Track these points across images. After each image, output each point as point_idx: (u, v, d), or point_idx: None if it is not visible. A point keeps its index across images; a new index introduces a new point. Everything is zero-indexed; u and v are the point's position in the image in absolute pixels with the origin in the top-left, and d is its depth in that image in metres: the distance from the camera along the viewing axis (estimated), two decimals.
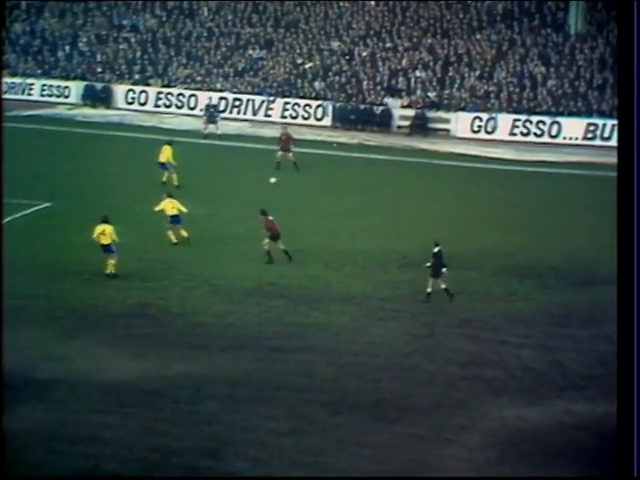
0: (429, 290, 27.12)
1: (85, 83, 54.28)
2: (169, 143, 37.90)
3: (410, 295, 27.54)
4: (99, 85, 54.01)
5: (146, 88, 54.30)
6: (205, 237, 32.36)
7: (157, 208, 31.31)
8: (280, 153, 41.28)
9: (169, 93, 53.91)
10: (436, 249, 27.21)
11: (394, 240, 32.49)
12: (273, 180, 38.05)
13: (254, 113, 52.91)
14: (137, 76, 55.23)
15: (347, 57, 54.29)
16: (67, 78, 54.98)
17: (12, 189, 35.32)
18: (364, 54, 54.15)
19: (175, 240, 31.22)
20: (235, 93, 53.37)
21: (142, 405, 21.06)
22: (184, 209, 31.21)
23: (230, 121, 51.65)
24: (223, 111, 51.35)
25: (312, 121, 51.60)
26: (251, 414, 20.58)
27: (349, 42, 55.01)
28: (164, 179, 37.59)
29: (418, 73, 52.82)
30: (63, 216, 33.47)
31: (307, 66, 53.87)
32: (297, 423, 20.22)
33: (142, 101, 53.92)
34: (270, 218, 30.19)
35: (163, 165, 37.81)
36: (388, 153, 47.00)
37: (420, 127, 50.63)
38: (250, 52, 55.56)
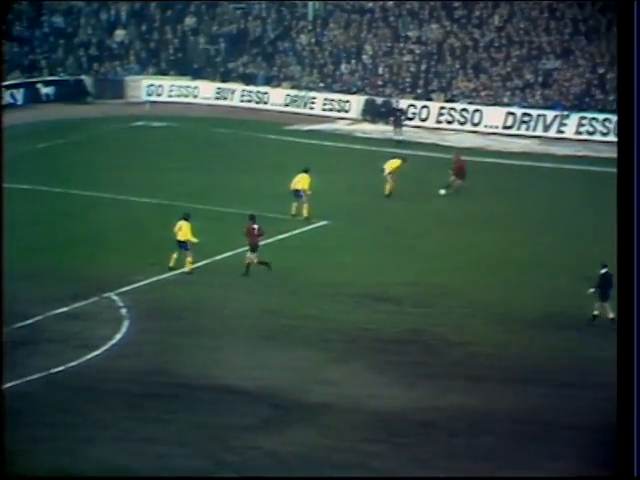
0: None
1: (365, 97, 55.55)
2: (305, 171, 36.33)
3: None
4: (379, 100, 55.13)
5: (428, 103, 54.95)
6: (486, 262, 32.38)
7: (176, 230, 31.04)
8: (453, 179, 40.28)
9: (452, 108, 54.31)
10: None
11: None
12: (443, 192, 38.80)
13: (545, 129, 52.37)
14: (419, 90, 55.97)
15: None
16: (348, 92, 56.49)
17: (290, 206, 37.08)
18: None
19: (172, 264, 31.05)
20: (524, 107, 53.06)
21: (414, 436, 21.37)
22: (193, 239, 30.82)
23: (517, 138, 51.41)
24: (410, 118, 51.66)
25: (612, 137, 50.35)
26: (535, 452, 20.44)
27: None
28: (293, 211, 36.41)
29: None
30: (338, 235, 34.43)
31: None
32: (587, 464, 19.90)
33: (423, 117, 54.60)
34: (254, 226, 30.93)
35: (297, 193, 36.30)
36: None
37: None
38: (544, 62, 55.07)
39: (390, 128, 52.07)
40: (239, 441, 21.44)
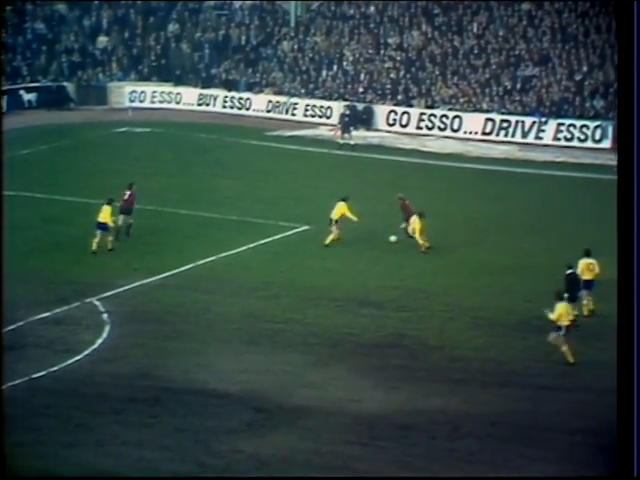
0: None
1: (346, 104, 55.63)
2: (344, 200, 34.27)
3: None
4: (360, 106, 55.23)
5: (408, 109, 55.06)
6: (466, 267, 32.46)
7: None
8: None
9: (432, 114, 54.45)
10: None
11: None
12: (393, 239, 34.24)
13: (524, 135, 52.54)
14: (400, 96, 56.09)
15: None
16: (329, 98, 56.56)
17: (273, 211, 37.15)
18: None
19: None
20: (503, 114, 53.22)
21: (396, 439, 21.39)
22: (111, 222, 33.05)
23: (496, 144, 51.54)
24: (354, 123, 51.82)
25: (589, 143, 50.53)
26: (515, 454, 20.49)
27: None
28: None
29: None
30: (320, 240, 34.45)
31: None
32: (569, 466, 19.94)
33: (404, 123, 54.72)
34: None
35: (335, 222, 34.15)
36: None
37: None
38: (522, 69, 55.25)
39: (371, 134, 52.27)
40: (222, 444, 21.42)
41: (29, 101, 55.73)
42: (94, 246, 32.88)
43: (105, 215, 33.02)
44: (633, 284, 17.22)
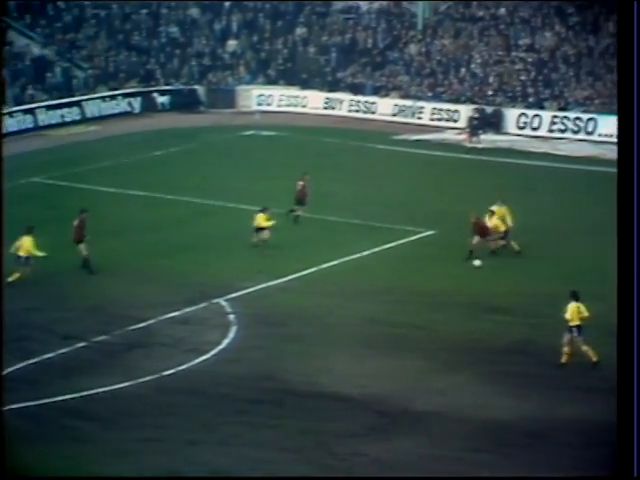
0: None
1: (474, 107, 55.08)
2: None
3: None
4: (489, 109, 54.61)
5: (540, 112, 54.22)
6: (597, 274, 31.75)
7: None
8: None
9: (565, 117, 53.50)
10: None
11: None
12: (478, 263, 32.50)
13: None
14: (531, 99, 55.29)
15: None
16: (457, 101, 56.11)
17: (398, 215, 36.98)
18: None
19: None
20: None
21: (524, 447, 21.07)
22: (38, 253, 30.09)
23: None
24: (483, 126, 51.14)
25: None
26: None
27: None
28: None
29: None
30: (445, 245, 34.13)
31: None
32: None
33: (535, 126, 53.89)
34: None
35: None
36: None
37: None
38: None
39: (500, 137, 51.74)
40: (344, 447, 21.37)
41: (162, 104, 56.74)
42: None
43: (27, 247, 30.06)
44: (633, 283, 17.02)
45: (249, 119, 55.21)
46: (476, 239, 32.72)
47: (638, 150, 17.56)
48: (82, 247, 31.47)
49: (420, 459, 20.80)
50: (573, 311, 25.10)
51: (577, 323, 25.03)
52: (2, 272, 21.46)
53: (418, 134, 52.68)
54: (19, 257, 30.13)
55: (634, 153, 17.58)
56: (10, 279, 29.22)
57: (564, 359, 25.15)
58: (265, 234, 33.52)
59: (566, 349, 25.17)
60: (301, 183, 36.88)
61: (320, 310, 29.03)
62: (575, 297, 25.21)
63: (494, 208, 33.52)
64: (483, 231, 32.79)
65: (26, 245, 30.17)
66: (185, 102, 57.24)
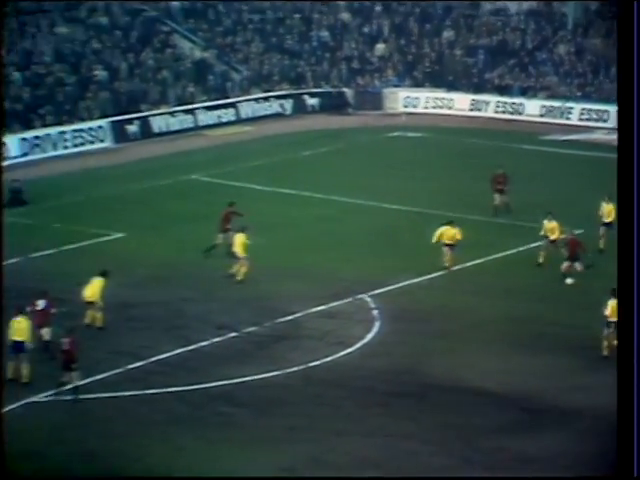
0: None
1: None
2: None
3: None
4: None
5: None
6: None
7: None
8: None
9: None
10: None
11: None
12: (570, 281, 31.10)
13: None
14: None
15: None
16: (607, 101, 55.08)
17: (537, 214, 36.61)
18: None
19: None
20: None
21: None
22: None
23: None
24: None
25: None
26: None
27: None
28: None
29: None
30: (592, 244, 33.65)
31: None
32: None
33: None
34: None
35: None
36: None
37: None
38: None
39: None
40: (487, 442, 21.42)
41: (312, 105, 57.44)
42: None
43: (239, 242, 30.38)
44: (633, 283, 16.83)
45: (396, 120, 55.38)
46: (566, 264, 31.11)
47: (638, 143, 17.40)
48: (221, 236, 32.19)
49: (564, 455, 20.70)
50: (613, 308, 24.95)
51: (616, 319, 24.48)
52: (2, 272, 21.61)
53: (566, 134, 51.99)
54: (234, 253, 30.66)
55: (634, 148, 17.37)
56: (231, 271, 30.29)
57: (606, 352, 25.15)
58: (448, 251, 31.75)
59: (605, 343, 25.28)
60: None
61: (463, 307, 29.07)
62: (615, 294, 24.70)
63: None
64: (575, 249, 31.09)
65: (239, 241, 30.58)
66: (334, 104, 57.78)
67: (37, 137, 46.09)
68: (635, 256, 17.12)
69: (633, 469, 16.25)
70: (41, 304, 25.69)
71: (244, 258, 30.67)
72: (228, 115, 53.65)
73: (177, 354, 25.77)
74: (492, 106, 57.15)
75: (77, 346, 23.40)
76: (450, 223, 32.03)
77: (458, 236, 31.79)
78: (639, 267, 17.03)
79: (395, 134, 52.71)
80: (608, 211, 33.87)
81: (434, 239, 31.69)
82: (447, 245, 31.76)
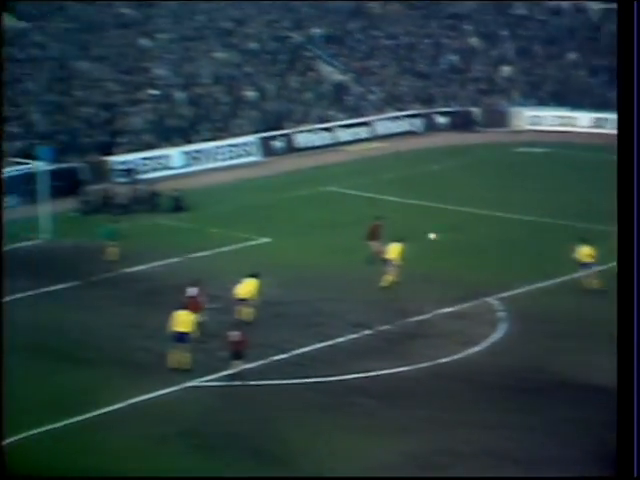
0: None
1: None
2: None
3: None
4: None
5: None
6: None
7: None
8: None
9: None
10: None
11: None
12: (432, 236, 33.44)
13: None
14: None
15: None
16: None
17: None
18: None
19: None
20: None
21: None
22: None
23: None
24: None
25: None
26: None
27: None
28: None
29: None
30: None
31: None
32: None
33: None
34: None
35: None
36: None
37: None
38: None
39: None
40: (608, 434, 21.04)
41: (442, 124, 57.43)
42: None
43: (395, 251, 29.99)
44: (633, 282, 16.21)
45: (521, 137, 54.89)
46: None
47: (638, 145, 16.83)
48: (374, 244, 32.27)
49: None
50: None
51: None
52: (2, 272, 21.65)
53: None
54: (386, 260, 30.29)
55: (634, 150, 16.84)
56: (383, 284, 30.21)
57: None
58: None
59: None
60: None
61: (583, 310, 28.70)
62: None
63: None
64: None
65: (395, 251, 30.46)
66: (462, 122, 57.65)
67: (197, 151, 47.46)
68: (635, 256, 16.59)
69: (633, 469, 15.50)
70: (192, 292, 26.66)
71: (398, 266, 30.62)
72: (364, 133, 54.09)
73: (316, 348, 26.13)
74: (614, 123, 56.14)
75: (248, 338, 24.05)
76: (585, 241, 30.77)
77: (591, 255, 30.42)
78: (639, 267, 16.48)
79: (520, 150, 52.25)
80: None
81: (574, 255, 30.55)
82: (582, 264, 30.55)
